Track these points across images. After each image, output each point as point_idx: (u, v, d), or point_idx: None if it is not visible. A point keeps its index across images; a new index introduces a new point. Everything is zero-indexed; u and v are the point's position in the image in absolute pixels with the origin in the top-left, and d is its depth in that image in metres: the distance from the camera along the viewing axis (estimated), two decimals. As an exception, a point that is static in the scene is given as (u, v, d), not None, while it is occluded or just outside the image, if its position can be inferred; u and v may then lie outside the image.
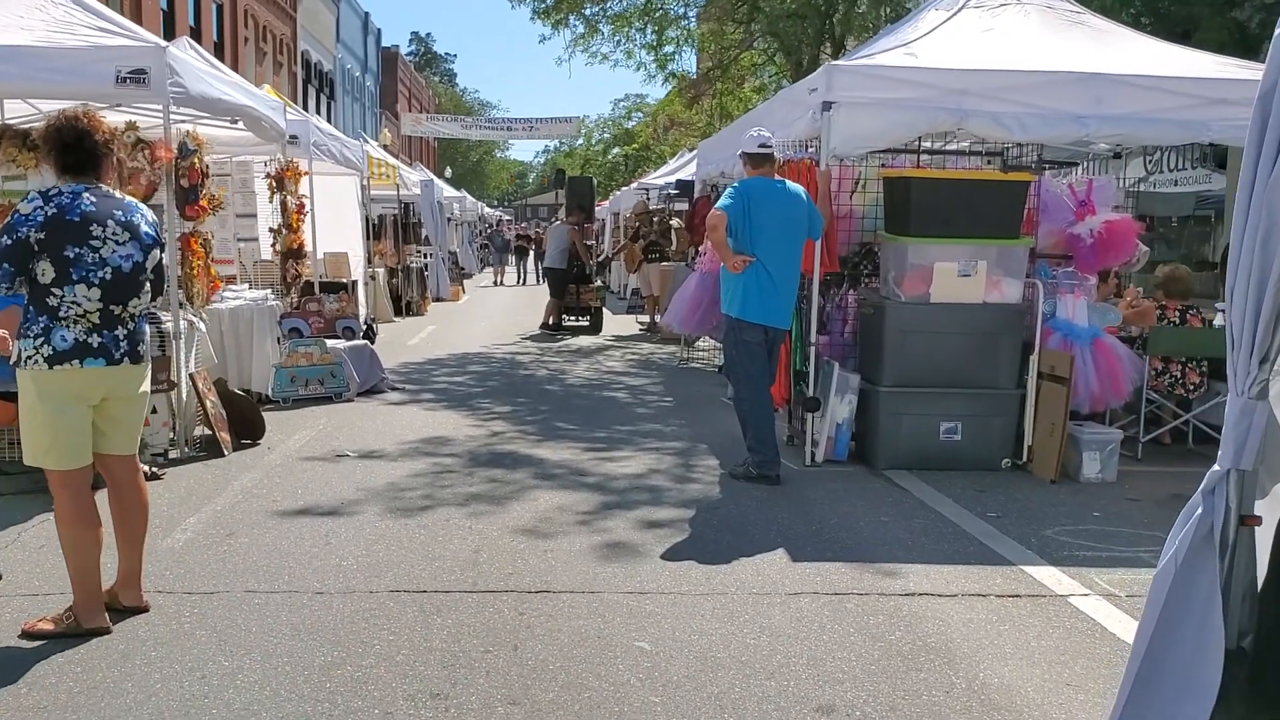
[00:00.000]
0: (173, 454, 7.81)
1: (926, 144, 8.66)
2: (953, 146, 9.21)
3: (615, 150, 54.11)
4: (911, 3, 15.30)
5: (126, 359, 4.59)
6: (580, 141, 54.42)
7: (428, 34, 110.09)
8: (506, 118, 54.54)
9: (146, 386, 4.80)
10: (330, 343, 10.69)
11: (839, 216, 8.22)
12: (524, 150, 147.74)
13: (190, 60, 8.33)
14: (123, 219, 4.57)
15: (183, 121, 8.68)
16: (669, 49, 19.54)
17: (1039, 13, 8.66)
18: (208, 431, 8.12)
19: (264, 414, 9.06)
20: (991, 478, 7.61)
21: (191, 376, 8.03)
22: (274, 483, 7.16)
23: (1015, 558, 5.79)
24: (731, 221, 6.99)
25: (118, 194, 4.68)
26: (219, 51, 27.38)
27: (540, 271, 34.22)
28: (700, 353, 14.17)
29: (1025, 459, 7.87)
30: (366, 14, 55.29)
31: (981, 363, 7.81)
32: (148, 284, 4.70)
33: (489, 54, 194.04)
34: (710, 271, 10.63)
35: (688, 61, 21.29)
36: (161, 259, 4.82)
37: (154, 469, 7.29)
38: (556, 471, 7.59)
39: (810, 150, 8.24)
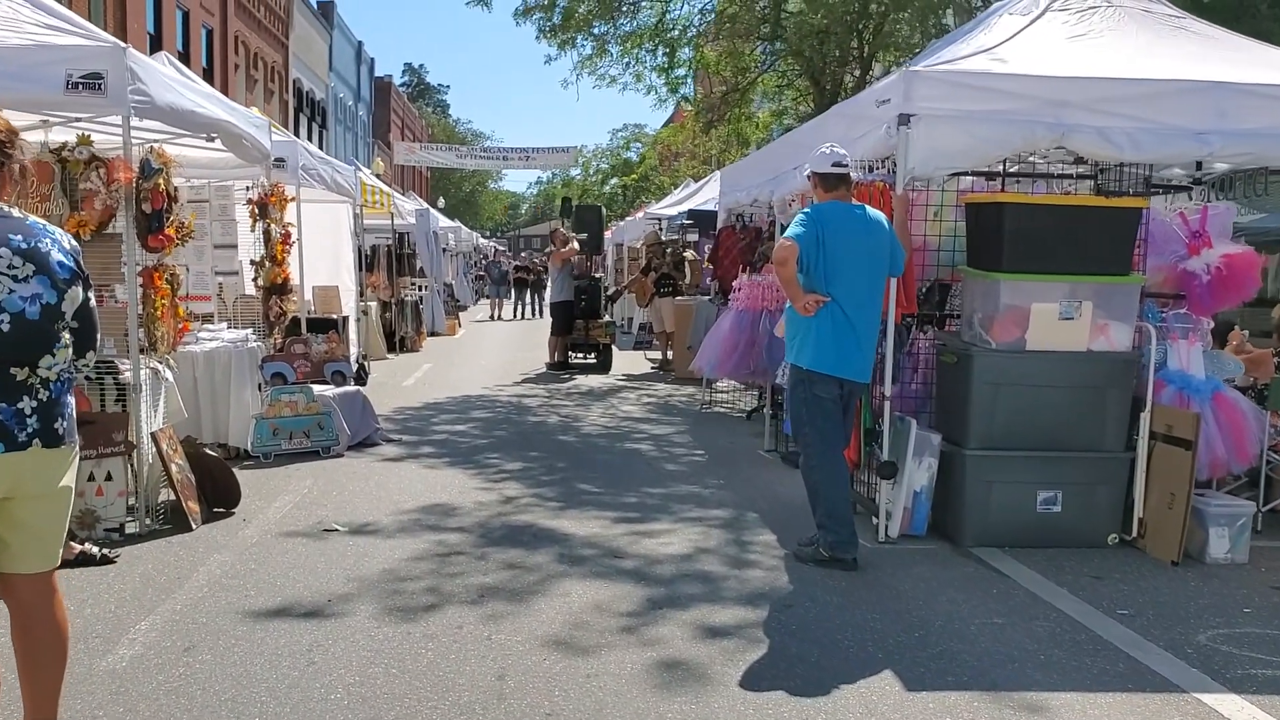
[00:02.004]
0: (131, 528, 6.60)
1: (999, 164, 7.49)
2: (1019, 167, 8.02)
3: (613, 180, 53.11)
4: (951, 20, 14.20)
5: (36, 441, 3.36)
6: (578, 172, 53.44)
7: (421, 65, 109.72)
8: (502, 147, 53.52)
9: (70, 479, 3.53)
10: (318, 389, 9.48)
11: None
12: (517, 181, 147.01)
13: (158, 67, 7.18)
14: (23, 245, 3.35)
15: (161, 140, 7.52)
16: (680, 72, 18.44)
17: (1135, 16, 7.52)
18: (174, 497, 6.89)
19: (242, 473, 7.85)
20: (1100, 558, 6.42)
21: (154, 436, 6.82)
22: (248, 569, 5.92)
23: (1180, 679, 4.58)
24: (803, 254, 5.82)
25: (16, 213, 3.46)
26: (208, 78, 26.33)
27: (539, 305, 33.22)
28: (722, 394, 12.96)
29: (1135, 534, 6.69)
30: (360, 43, 54.58)
31: (1085, 421, 6.64)
32: (67, 335, 3.47)
33: (482, 86, 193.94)
34: (748, 310, 9.51)
35: (699, 85, 20.15)
36: (88, 299, 3.58)
37: (105, 551, 6.06)
38: (586, 552, 6.36)
39: (877, 172, 7.08)
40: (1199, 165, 7.71)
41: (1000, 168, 7.18)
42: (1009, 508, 6.64)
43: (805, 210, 6.03)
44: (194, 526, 6.72)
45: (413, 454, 9.44)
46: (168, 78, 7.06)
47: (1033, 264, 6.52)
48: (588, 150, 51.82)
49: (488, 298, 34.91)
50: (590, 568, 6.03)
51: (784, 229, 9.70)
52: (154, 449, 6.81)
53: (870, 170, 7.11)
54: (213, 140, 8.07)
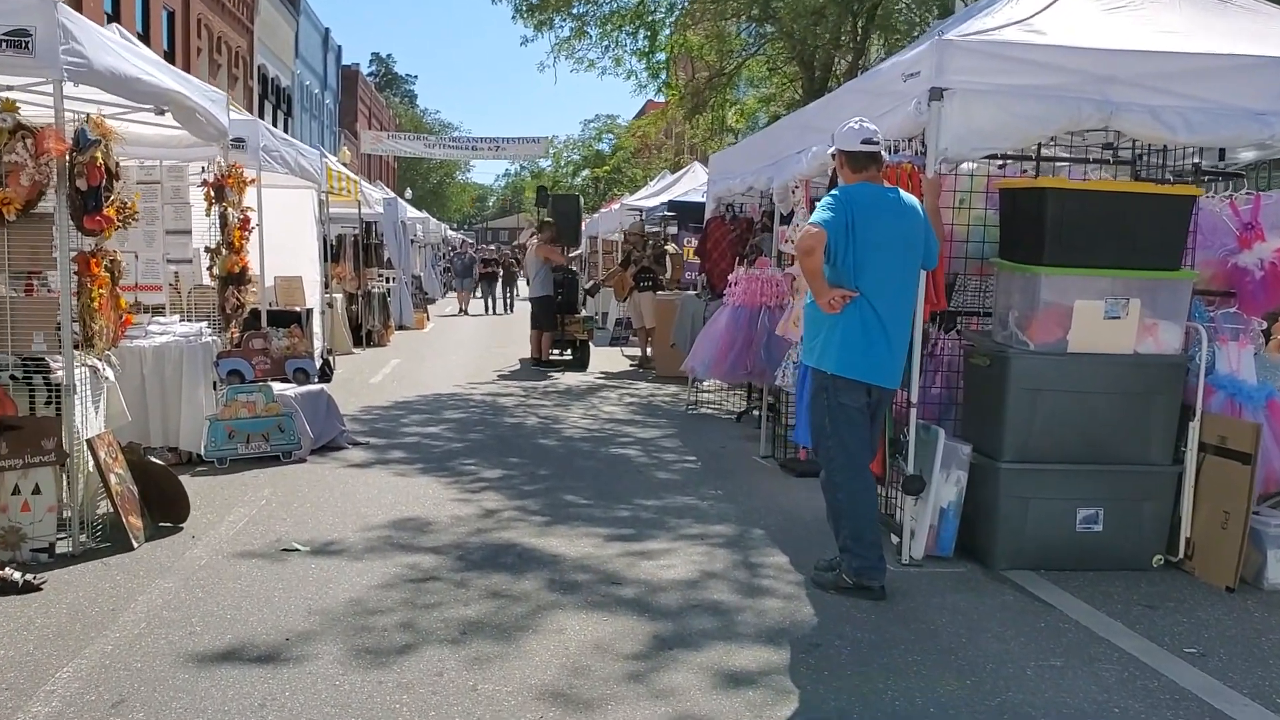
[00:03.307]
0: (63, 547, 5.85)
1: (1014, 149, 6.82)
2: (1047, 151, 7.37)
3: (585, 172, 52.33)
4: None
5: None
6: (548, 164, 52.61)
7: (388, 55, 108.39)
8: (471, 137, 52.52)
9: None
10: (278, 388, 8.71)
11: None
12: (484, 173, 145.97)
13: (99, 29, 6.40)
14: None
15: (109, 114, 6.72)
16: (661, 56, 17.66)
17: (1174, -12, 6.88)
18: (113, 510, 6.13)
19: (193, 481, 7.19)
20: (1147, 583, 5.80)
21: (91, 442, 6.06)
22: (195, 598, 5.17)
23: (1281, 739, 3.94)
24: (831, 242, 5.13)
25: None
26: (169, 61, 25.39)
27: (510, 299, 32.36)
28: (707, 394, 12.26)
29: (1182, 555, 6.06)
30: (327, 30, 53.60)
31: (1130, 431, 6.00)
32: None
33: (450, 77, 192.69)
34: (745, 306, 8.84)
35: (680, 69, 19.35)
36: None
37: (29, 576, 5.30)
38: (579, 577, 5.64)
39: (903, 152, 6.40)
40: (1221, 154, 7.10)
41: (1035, 151, 6.53)
42: (1046, 527, 6.00)
43: (832, 193, 5.33)
44: (135, 545, 5.97)
45: (381, 459, 8.69)
46: (109, 40, 6.29)
47: (1078, 257, 5.87)
48: (559, 141, 51.02)
49: (455, 291, 33.95)
50: (585, 597, 5.31)
51: (784, 219, 9.05)
52: (91, 457, 6.05)
53: (895, 150, 6.44)
54: (163, 114, 7.30)
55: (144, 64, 6.72)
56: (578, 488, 7.79)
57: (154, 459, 6.72)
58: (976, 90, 5.81)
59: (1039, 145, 6.51)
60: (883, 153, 5.46)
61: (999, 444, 5.99)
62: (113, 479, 6.09)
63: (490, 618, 4.97)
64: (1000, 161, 6.83)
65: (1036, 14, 6.47)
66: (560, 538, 6.40)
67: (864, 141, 5.34)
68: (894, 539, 6.17)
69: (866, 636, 4.85)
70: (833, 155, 5.55)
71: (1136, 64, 5.93)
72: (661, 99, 23.21)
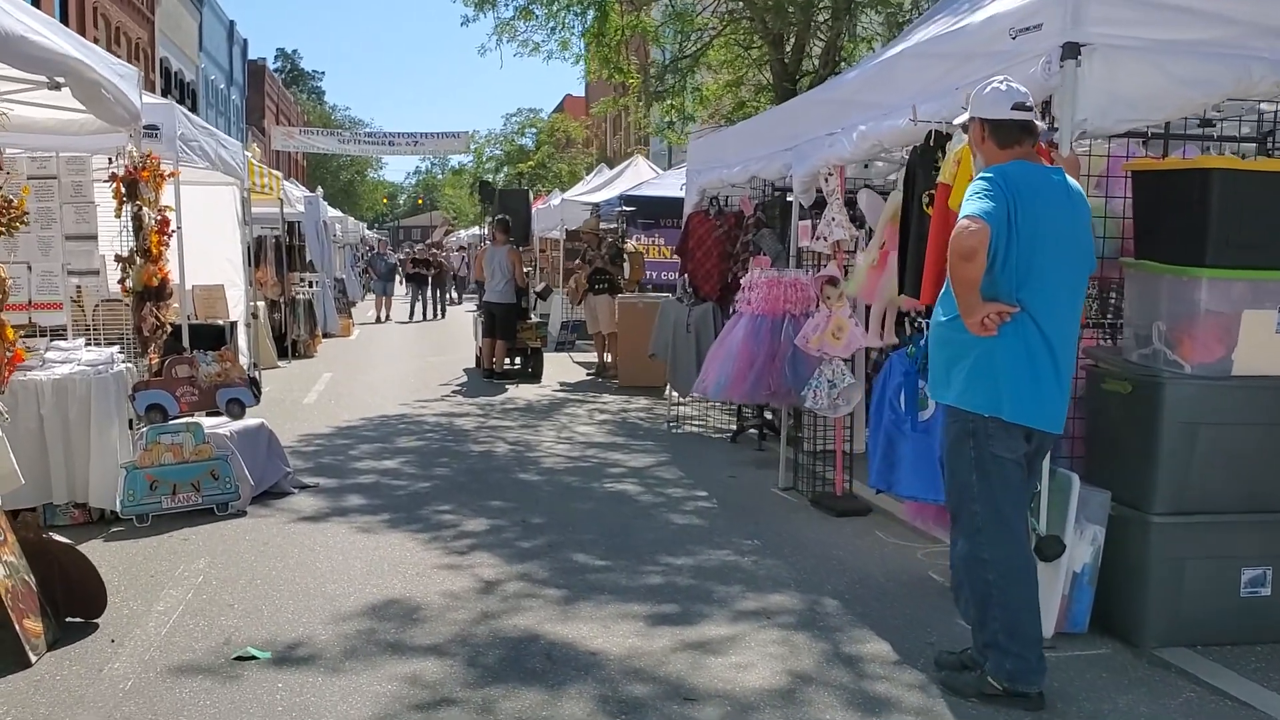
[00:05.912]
0: (-69, 665, 4.32)
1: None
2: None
3: (506, 169, 50.63)
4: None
5: None
6: (469, 160, 50.86)
7: (294, 51, 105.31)
8: (387, 132, 50.38)
9: None
10: (209, 425, 7.20)
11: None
12: (395, 171, 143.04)
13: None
14: None
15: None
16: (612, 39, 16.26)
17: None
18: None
19: (108, 547, 5.80)
20: (1335, 661, 4.63)
21: (-31, 521, 4.55)
22: (118, 751, 3.71)
23: None
24: (991, 241, 3.83)
25: None
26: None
27: (442, 303, 30.58)
28: (685, 407, 10.89)
29: (1359, 621, 4.92)
30: (231, 23, 51.59)
31: (1298, 471, 4.83)
32: None
33: (358, 73, 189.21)
34: (766, 315, 7.54)
35: (634, 54, 17.92)
36: None
37: (-120, 723, 3.80)
38: (637, 690, 4.26)
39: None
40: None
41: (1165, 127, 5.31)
42: (1206, 593, 4.81)
43: (985, 174, 4.00)
44: (32, 659, 4.46)
45: (337, 508, 7.21)
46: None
47: (1249, 255, 4.67)
48: (480, 136, 49.19)
49: (374, 295, 31.96)
50: (657, 725, 3.95)
51: (804, 211, 7.77)
52: (-30, 541, 4.54)
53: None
54: (58, 89, 5.79)
55: (34, 22, 5.21)
56: (586, 542, 6.41)
57: (56, 535, 5.17)
58: (1123, 46, 4.59)
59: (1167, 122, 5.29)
60: (1038, 123, 4.16)
61: (1148, 492, 4.77)
62: None
63: (542, 772, 3.58)
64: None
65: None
66: (590, 622, 5.02)
67: (1015, 106, 4.04)
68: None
69: (1061, 781, 3.57)
70: (965, 126, 4.27)
71: (1311, 12, 4.75)
72: (582, 90, 21.71)
